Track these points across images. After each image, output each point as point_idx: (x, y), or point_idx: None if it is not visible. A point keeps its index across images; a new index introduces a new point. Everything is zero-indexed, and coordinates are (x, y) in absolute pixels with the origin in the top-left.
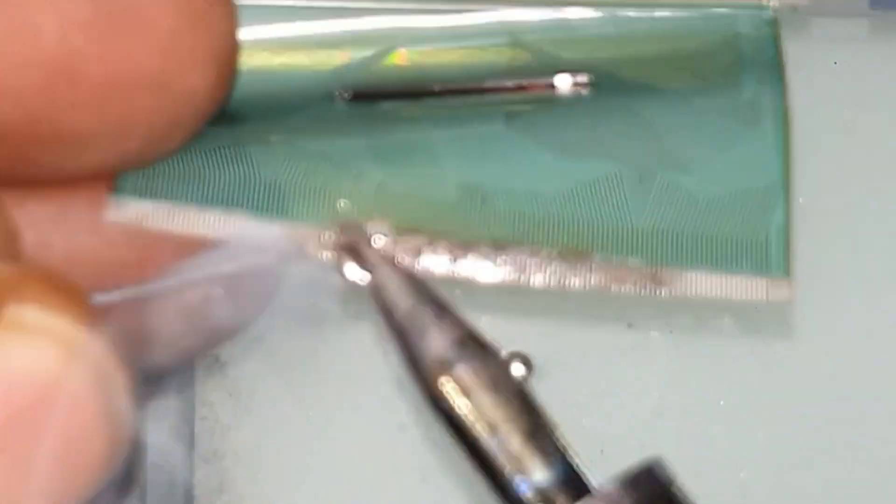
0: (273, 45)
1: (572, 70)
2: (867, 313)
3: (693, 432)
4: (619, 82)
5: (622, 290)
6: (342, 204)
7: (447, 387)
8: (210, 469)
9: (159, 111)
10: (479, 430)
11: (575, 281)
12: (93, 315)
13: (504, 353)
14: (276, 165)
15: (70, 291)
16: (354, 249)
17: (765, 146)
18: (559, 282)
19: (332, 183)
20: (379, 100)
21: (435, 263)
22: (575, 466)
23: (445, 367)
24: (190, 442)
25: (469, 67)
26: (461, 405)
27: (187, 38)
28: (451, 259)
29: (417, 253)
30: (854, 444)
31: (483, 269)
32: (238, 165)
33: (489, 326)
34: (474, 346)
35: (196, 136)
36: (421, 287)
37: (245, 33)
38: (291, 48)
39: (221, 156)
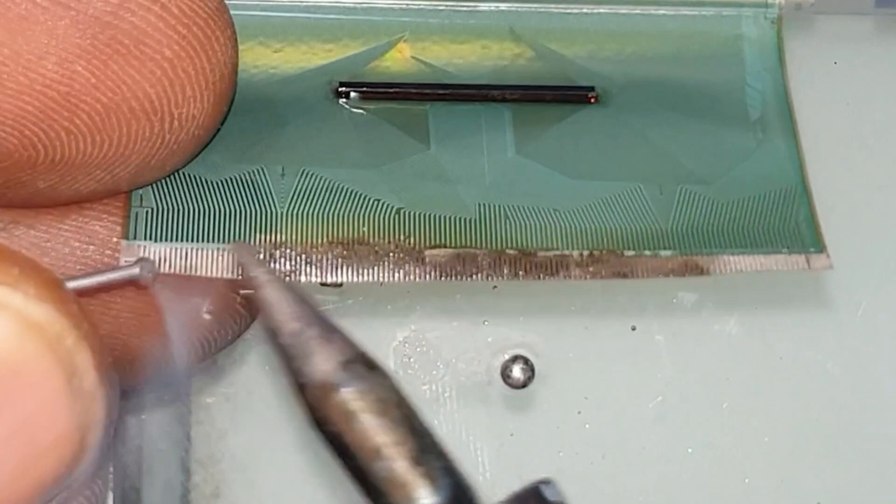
0: (273, 39)
1: (574, 70)
2: (872, 317)
3: (696, 436)
4: (625, 95)
5: (659, 277)
6: (364, 231)
7: (331, 410)
8: (206, 473)
9: (156, 138)
10: (364, 455)
11: (609, 273)
12: (64, 298)
13: (506, 355)
14: (294, 200)
15: (36, 271)
16: (242, 269)
17: (778, 159)
18: (594, 275)
19: (351, 213)
20: (380, 99)
21: (466, 273)
22: (465, 488)
23: (330, 390)
24: (186, 446)
25: (472, 64)
26: (345, 429)
27: (187, 66)
28: (478, 269)
29: (448, 267)
30: (860, 448)
31: (515, 272)
32: (255, 202)
33: (491, 329)
34: (361, 368)
35: (206, 167)
36: (308, 308)
37: (244, 28)
38: (291, 42)
39: (237, 192)
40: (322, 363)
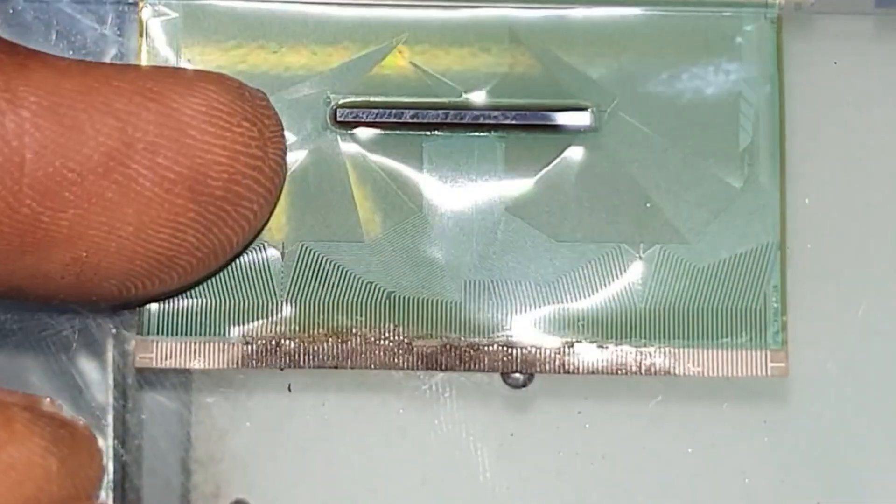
0: (272, 41)
1: (572, 78)
2: (872, 317)
3: (696, 436)
4: (619, 114)
5: (624, 374)
6: (358, 320)
7: None
8: (206, 473)
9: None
10: None
11: (579, 368)
12: None
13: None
14: (293, 287)
15: None
16: None
17: (761, 201)
18: (565, 370)
19: (346, 299)
20: (372, 126)
21: (449, 364)
22: None
23: None
24: (186, 446)
25: (471, 71)
26: None
27: (266, 211)
28: (461, 360)
29: (433, 358)
30: (860, 448)
31: (494, 365)
32: (257, 291)
33: None
34: None
35: None
36: None
37: (245, 29)
38: (291, 45)
39: (240, 279)
40: None
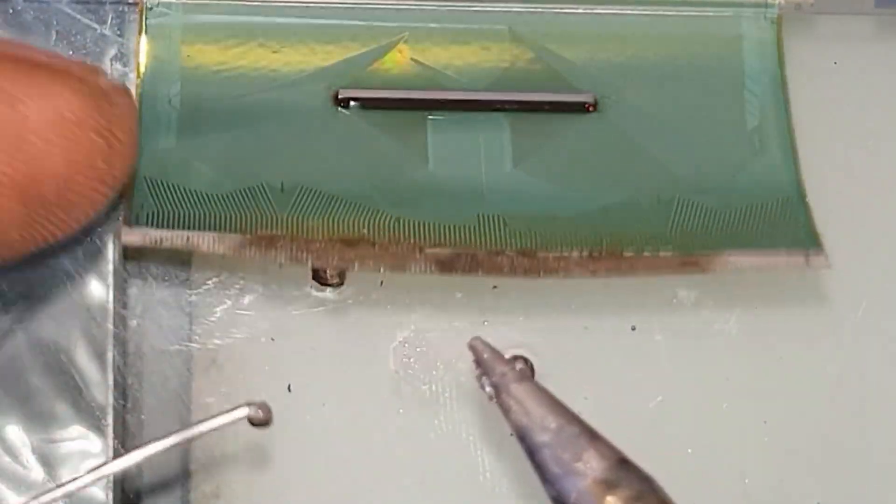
0: (273, 41)
1: (574, 73)
2: (872, 317)
3: (696, 436)
4: (623, 102)
5: (658, 275)
6: (364, 233)
7: None
8: (206, 473)
9: None
10: None
11: (609, 271)
12: None
13: (507, 354)
14: (294, 209)
15: None
16: (483, 365)
17: (775, 169)
18: (592, 274)
19: (351, 218)
20: (380, 108)
21: (466, 271)
22: None
23: (608, 488)
24: (186, 446)
25: (472, 66)
26: None
27: (101, 210)
28: (479, 266)
29: (448, 263)
30: (860, 448)
31: (514, 271)
32: (255, 210)
33: (491, 329)
34: (636, 468)
35: (206, 183)
36: (563, 405)
37: (245, 29)
38: (292, 43)
39: (236, 203)
40: (597, 460)
